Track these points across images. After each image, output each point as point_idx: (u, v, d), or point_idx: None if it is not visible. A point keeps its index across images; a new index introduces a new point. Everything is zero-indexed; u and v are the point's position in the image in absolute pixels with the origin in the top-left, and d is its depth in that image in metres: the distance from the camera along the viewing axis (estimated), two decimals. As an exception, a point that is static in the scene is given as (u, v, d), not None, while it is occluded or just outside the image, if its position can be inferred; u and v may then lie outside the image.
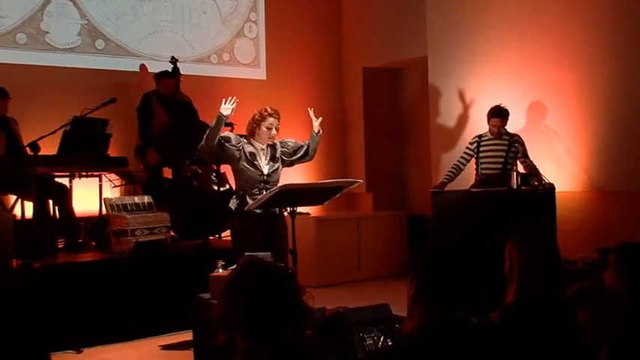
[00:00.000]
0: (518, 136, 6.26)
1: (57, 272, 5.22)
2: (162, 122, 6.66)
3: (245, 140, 4.88)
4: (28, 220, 5.68)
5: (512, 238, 2.70)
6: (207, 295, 4.44)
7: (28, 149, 5.79)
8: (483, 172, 6.28)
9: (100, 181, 6.18)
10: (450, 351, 2.07)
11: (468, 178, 6.43)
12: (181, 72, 6.91)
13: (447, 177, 6.42)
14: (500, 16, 7.00)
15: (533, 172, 6.03)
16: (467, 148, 6.43)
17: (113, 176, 6.40)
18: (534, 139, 6.47)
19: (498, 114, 6.20)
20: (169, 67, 6.87)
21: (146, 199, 5.87)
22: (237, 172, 4.91)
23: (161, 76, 6.84)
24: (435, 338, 2.08)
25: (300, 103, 7.22)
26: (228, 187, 6.61)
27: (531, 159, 6.14)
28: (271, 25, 8.48)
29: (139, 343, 5.30)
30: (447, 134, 7.45)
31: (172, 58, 6.91)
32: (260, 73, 8.40)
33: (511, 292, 2.64)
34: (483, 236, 5.23)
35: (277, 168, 4.92)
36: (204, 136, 4.75)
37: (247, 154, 4.82)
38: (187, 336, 4.89)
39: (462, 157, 6.44)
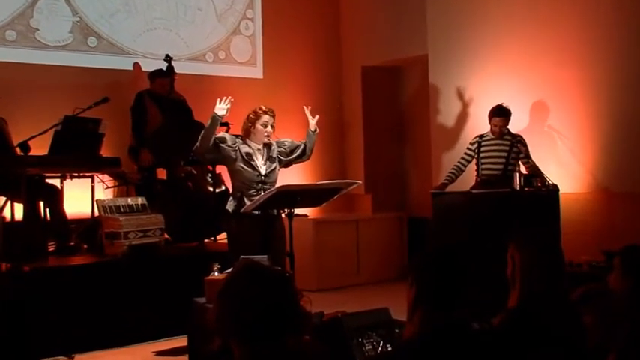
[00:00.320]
0: (521, 137, 6.20)
1: (48, 276, 5.16)
2: (156, 122, 6.61)
3: (241, 141, 4.82)
4: (18, 222, 5.64)
5: (514, 241, 2.68)
6: (202, 299, 4.43)
7: (18, 149, 5.72)
8: (484, 173, 6.22)
9: (93, 182, 6.12)
10: (451, 357, 2.06)
11: (468, 179, 6.37)
12: (176, 70, 6.83)
13: (447, 178, 6.37)
14: (501, 14, 6.95)
15: (535, 173, 5.95)
16: (467, 148, 6.38)
17: (106, 177, 6.35)
18: (537, 139, 6.41)
19: (500, 113, 6.13)
20: (164, 66, 6.78)
21: (140, 200, 5.82)
22: (233, 173, 4.85)
23: (155, 75, 6.77)
24: (435, 344, 2.07)
25: (298, 102, 7.08)
26: (223, 188, 6.59)
27: (534, 160, 6.08)
28: (268, 22, 8.41)
29: (133, 349, 5.25)
30: (448, 134, 7.40)
31: (167, 56, 6.82)
32: (257, 72, 8.32)
33: (514, 296, 2.62)
34: (485, 239, 5.18)
35: (274, 168, 4.87)
36: (199, 138, 4.70)
37: (243, 155, 4.76)
38: (182, 341, 4.91)
39: (462, 158, 6.39)
